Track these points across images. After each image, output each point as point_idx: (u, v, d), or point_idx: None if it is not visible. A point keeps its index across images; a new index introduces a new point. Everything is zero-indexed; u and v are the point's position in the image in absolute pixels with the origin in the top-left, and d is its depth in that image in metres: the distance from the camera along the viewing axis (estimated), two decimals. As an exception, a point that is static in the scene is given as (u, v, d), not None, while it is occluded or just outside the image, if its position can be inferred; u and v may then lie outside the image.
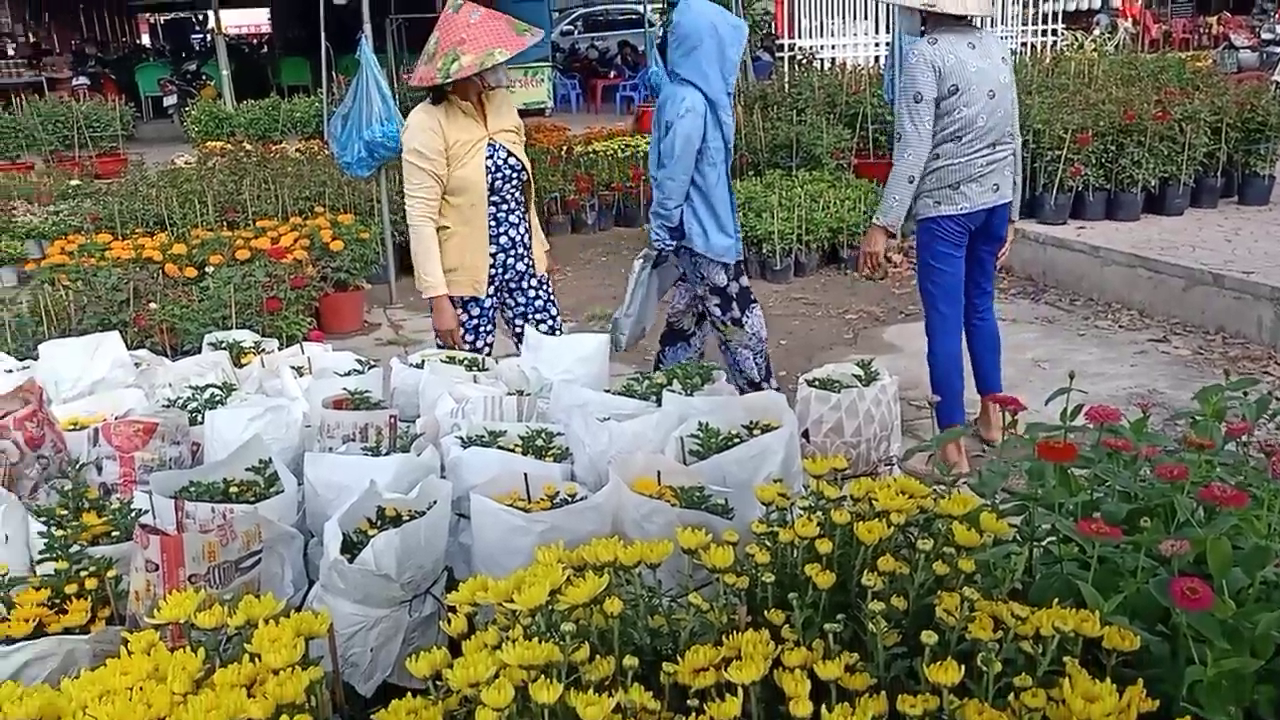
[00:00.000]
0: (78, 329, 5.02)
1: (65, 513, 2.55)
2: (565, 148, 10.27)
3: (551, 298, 4.13)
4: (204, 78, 17.15)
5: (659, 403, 2.99)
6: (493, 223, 3.82)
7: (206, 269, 6.11)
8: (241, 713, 1.47)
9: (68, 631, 2.11)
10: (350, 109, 6.76)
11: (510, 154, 3.79)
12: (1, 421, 2.86)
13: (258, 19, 34.21)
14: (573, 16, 24.02)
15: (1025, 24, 12.21)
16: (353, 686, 2.26)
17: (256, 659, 1.63)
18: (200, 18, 29.89)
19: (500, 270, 3.92)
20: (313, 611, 1.85)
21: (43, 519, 2.49)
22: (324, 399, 3.12)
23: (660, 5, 15.46)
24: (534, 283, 4.04)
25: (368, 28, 7.19)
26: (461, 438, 2.89)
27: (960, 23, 4.03)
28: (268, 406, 3.04)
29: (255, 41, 28.45)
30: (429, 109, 3.74)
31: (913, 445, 3.16)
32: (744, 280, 4.32)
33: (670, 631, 1.80)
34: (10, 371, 3.66)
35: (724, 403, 2.95)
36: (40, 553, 2.31)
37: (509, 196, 3.83)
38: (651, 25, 16.40)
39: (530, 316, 4.05)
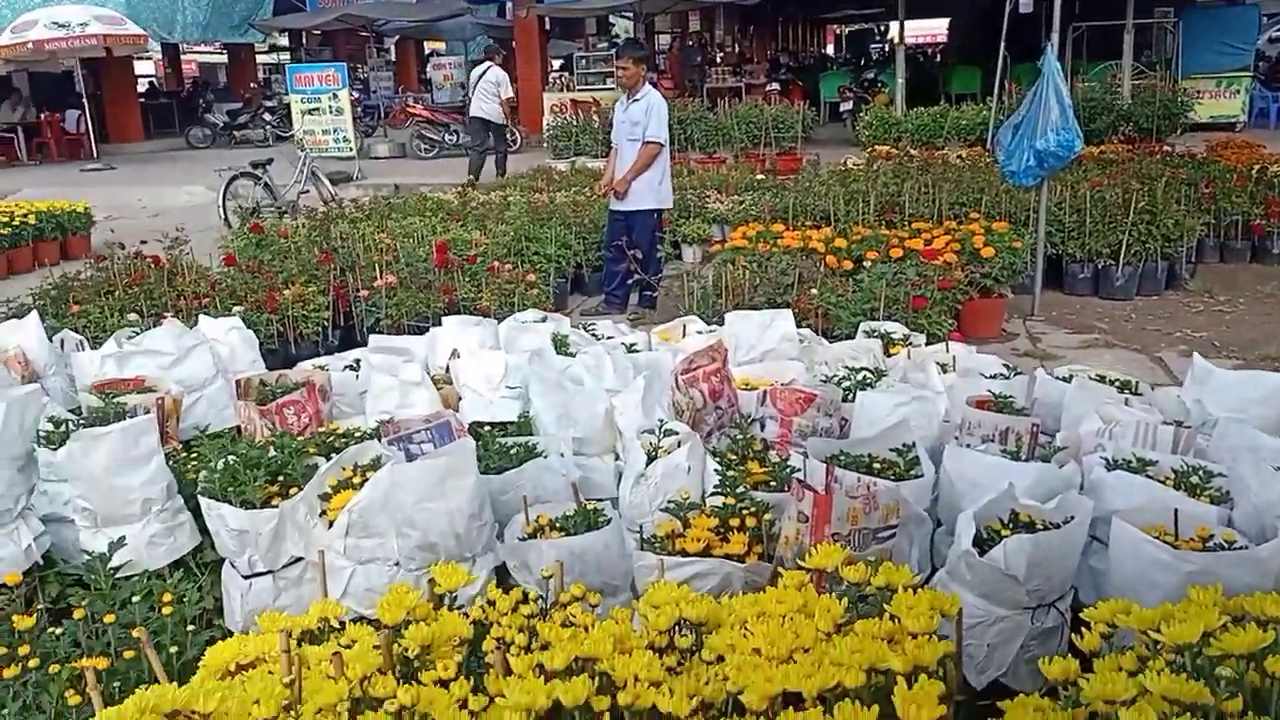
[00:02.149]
0: (749, 304, 5.67)
1: (734, 457, 2.95)
2: (1258, 166, 9.09)
3: None
4: (879, 85, 18.07)
5: (1355, 463, 2.59)
6: None
7: (863, 263, 6.52)
8: (882, 662, 1.61)
9: (728, 557, 2.45)
10: (1023, 117, 6.68)
11: None
12: (693, 372, 3.38)
13: (934, 28, 35.14)
14: (1288, 20, 21.18)
15: None
16: (964, 676, 2.31)
17: (895, 620, 1.76)
18: (882, 28, 31.55)
19: None
20: (946, 592, 1.94)
21: (717, 459, 2.91)
22: (968, 397, 3.20)
23: None
24: None
25: (1056, 36, 7.03)
26: (1106, 459, 2.78)
27: None
28: (914, 396, 3.20)
29: (930, 51, 29.32)
30: None
31: None
32: None
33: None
34: (700, 332, 4.29)
35: None
36: (714, 487, 2.70)
37: None
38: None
39: None
